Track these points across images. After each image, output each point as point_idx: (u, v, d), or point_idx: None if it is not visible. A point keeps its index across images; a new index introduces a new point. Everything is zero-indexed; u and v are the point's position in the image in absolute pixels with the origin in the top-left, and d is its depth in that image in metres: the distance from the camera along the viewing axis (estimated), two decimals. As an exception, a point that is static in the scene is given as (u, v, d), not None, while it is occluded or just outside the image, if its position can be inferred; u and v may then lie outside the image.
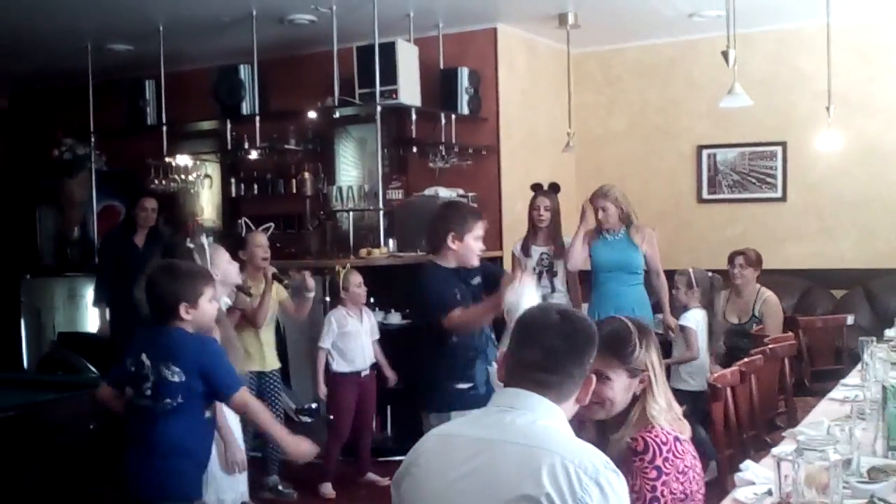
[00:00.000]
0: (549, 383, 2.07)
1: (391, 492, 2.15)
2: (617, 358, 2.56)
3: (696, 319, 5.60)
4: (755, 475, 2.71)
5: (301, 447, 3.33)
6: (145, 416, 3.20)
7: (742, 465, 2.78)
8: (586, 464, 1.92)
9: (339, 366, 5.68)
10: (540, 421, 2.02)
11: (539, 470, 1.90)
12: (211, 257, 3.79)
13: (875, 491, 2.46)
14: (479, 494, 1.95)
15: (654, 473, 2.46)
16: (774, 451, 2.67)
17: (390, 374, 5.91)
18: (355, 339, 5.70)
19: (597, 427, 2.64)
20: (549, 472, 1.89)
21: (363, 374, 5.76)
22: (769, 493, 2.56)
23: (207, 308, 3.29)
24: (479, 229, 4.19)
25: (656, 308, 6.08)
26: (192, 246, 3.82)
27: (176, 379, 3.13)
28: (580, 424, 2.60)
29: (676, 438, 2.54)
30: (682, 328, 5.62)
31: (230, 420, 3.75)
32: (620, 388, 2.56)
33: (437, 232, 4.19)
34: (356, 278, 5.73)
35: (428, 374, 4.16)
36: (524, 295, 3.73)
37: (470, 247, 4.15)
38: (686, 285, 5.68)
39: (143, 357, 3.20)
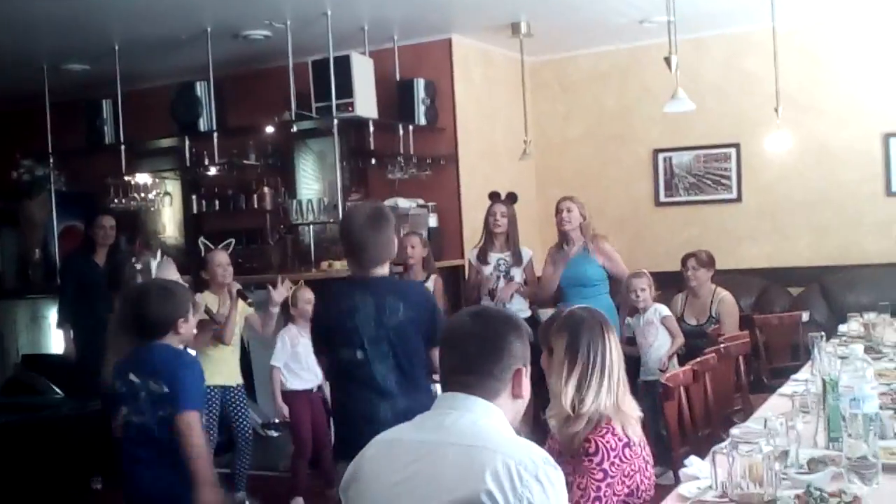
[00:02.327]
0: (471, 384, 2.10)
1: (340, 498, 2.18)
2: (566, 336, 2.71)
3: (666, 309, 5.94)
4: (699, 470, 2.77)
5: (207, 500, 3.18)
6: (147, 432, 3.28)
7: (686, 461, 2.84)
8: (526, 461, 1.96)
9: (291, 384, 5.68)
10: (480, 420, 2.06)
11: (480, 469, 1.94)
12: (157, 273, 3.84)
13: (812, 481, 2.53)
14: (422, 497, 1.98)
15: (600, 475, 2.57)
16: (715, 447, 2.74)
17: None
18: (305, 358, 5.62)
19: (533, 418, 2.74)
20: (490, 470, 1.93)
21: (314, 390, 5.74)
22: (712, 487, 2.64)
23: (192, 321, 3.50)
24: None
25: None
26: (138, 266, 3.88)
27: (165, 390, 3.24)
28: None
29: (626, 444, 2.63)
30: (665, 318, 5.87)
31: None
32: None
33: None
34: (307, 294, 5.64)
35: None
36: None
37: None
38: (649, 285, 5.93)
39: (132, 376, 3.32)
